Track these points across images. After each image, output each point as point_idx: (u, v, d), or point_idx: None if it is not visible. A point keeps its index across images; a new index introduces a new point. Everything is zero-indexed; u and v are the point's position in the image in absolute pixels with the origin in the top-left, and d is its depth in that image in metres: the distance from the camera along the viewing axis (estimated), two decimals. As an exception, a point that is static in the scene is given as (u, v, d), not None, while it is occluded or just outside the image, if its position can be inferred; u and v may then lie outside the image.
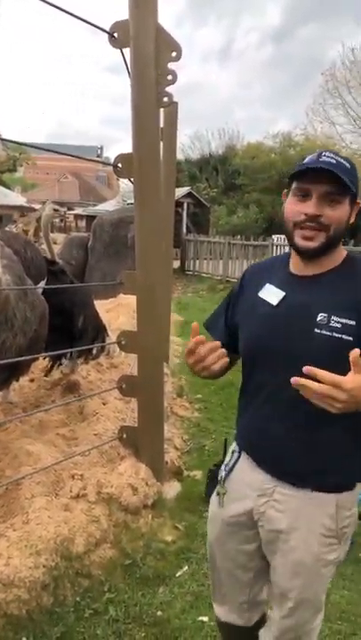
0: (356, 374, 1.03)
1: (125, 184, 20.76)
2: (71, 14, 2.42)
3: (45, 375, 4.00)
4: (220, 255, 13.83)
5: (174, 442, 3.44)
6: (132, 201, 2.79)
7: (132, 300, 3.57)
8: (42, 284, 3.35)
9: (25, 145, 3.25)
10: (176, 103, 3.78)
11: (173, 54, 2.53)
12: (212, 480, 1.53)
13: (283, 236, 14.07)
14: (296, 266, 1.33)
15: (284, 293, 1.31)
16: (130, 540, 2.47)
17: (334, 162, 1.20)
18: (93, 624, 2.03)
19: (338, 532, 1.31)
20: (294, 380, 1.03)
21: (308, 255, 1.27)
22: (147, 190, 2.68)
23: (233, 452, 1.47)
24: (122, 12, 2.54)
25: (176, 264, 13.91)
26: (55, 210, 4.06)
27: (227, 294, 1.55)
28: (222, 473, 1.46)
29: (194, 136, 29.49)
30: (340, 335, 1.19)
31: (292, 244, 1.29)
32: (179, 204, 16.87)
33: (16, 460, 2.76)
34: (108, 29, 2.57)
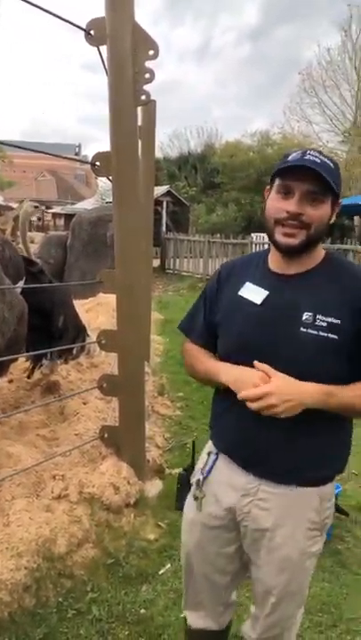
0: (273, 377, 1.18)
1: (104, 182, 20.64)
2: (47, 11, 2.40)
3: (28, 377, 3.97)
4: (199, 254, 13.86)
5: (156, 440, 3.45)
6: (111, 199, 2.78)
7: (111, 299, 3.56)
8: (20, 283, 3.31)
9: (4, 144, 3.21)
10: (154, 101, 3.77)
11: (151, 52, 2.53)
12: (184, 485, 1.49)
13: (262, 235, 14.20)
14: (277, 264, 1.33)
15: (267, 292, 1.30)
16: (112, 540, 2.47)
17: (319, 161, 1.20)
18: (76, 624, 2.02)
19: (321, 523, 1.34)
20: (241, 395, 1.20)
21: (288, 252, 1.27)
22: (125, 189, 2.67)
23: (209, 454, 1.44)
24: (98, 9, 2.52)
25: (156, 263, 13.89)
26: (35, 207, 4.01)
27: (201, 294, 1.51)
28: (199, 476, 1.43)
29: (172, 134, 29.52)
30: (325, 334, 1.20)
31: (272, 241, 1.29)
32: (158, 202, 16.81)
33: (-4, 462, 2.72)
34: (84, 27, 2.55)
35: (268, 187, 1.30)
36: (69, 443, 3.05)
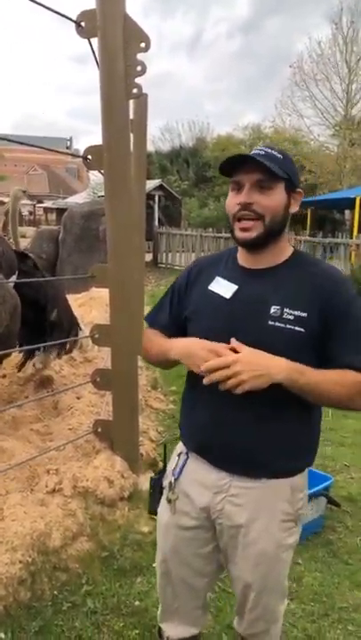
0: (243, 349, 1.18)
1: (96, 176, 20.53)
2: (37, 2, 2.38)
3: (19, 370, 3.95)
4: (192, 248, 13.86)
5: (149, 434, 3.46)
6: (103, 193, 2.78)
7: (104, 293, 3.55)
8: (13, 278, 3.30)
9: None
10: (146, 95, 3.75)
11: (142, 45, 2.51)
12: (156, 489, 1.49)
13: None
14: (245, 259, 1.36)
15: (236, 287, 1.32)
16: (107, 533, 2.48)
17: (263, 153, 1.26)
18: (72, 617, 2.04)
19: (295, 514, 1.35)
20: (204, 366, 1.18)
21: (248, 246, 1.31)
22: (117, 182, 2.66)
23: (180, 455, 1.43)
24: (88, 1, 2.50)
25: (148, 257, 13.86)
26: (23, 192, 3.99)
27: (169, 287, 1.52)
28: (170, 478, 1.43)
29: (164, 128, 29.47)
30: (292, 327, 1.23)
31: (233, 238, 1.33)
32: (150, 196, 16.78)
33: (-11, 457, 2.73)
34: (74, 18, 2.53)
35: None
36: (63, 437, 3.06)
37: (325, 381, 1.21)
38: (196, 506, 1.37)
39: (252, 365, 1.16)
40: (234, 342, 1.22)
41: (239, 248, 1.38)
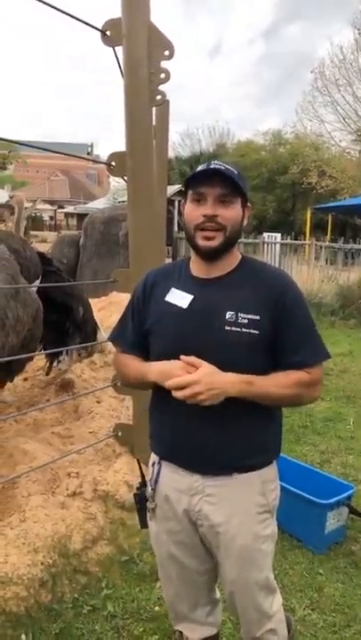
0: (200, 367, 1.26)
1: (116, 182, 20.73)
2: (63, 12, 2.42)
3: (47, 374, 4.03)
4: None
5: (169, 439, 3.46)
6: (123, 199, 2.81)
7: (123, 297, 3.57)
8: (36, 282, 3.35)
9: (17, 143, 3.25)
10: (168, 101, 3.78)
11: (166, 52, 2.54)
12: (142, 503, 1.52)
13: (274, 234, 14.16)
14: (198, 269, 1.42)
15: (192, 296, 1.38)
16: (126, 537, 2.48)
17: (223, 168, 1.32)
18: (92, 620, 2.05)
19: (269, 505, 1.42)
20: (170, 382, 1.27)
21: (209, 255, 1.37)
22: (140, 188, 2.69)
23: (153, 465, 1.49)
24: (114, 10, 2.54)
25: (168, 262, 13.89)
26: (11, 197, 4.12)
27: (128, 304, 1.56)
28: (148, 489, 1.49)
29: (184, 134, 29.58)
30: (247, 330, 1.30)
31: (193, 246, 1.39)
32: (170, 201, 16.85)
33: (12, 459, 2.76)
34: (100, 28, 2.57)
35: (182, 201, 1.42)
36: (84, 441, 3.08)
37: (274, 386, 1.31)
38: (178, 511, 1.43)
39: (208, 385, 1.25)
40: (186, 358, 1.28)
41: (192, 260, 1.45)
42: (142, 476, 1.55)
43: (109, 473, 2.72)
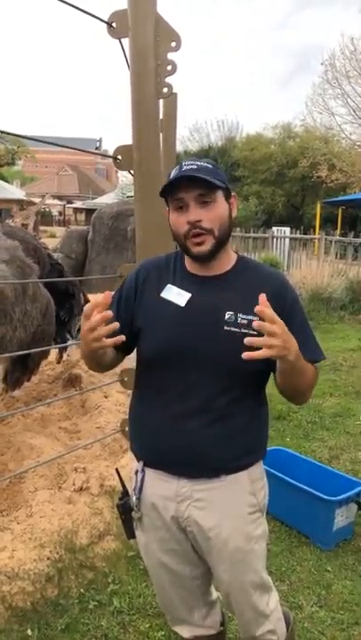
0: (279, 322, 1.13)
1: (125, 177, 20.72)
2: (69, 4, 2.39)
3: (58, 362, 4.09)
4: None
5: (176, 434, 3.46)
6: (131, 194, 2.78)
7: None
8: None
9: (26, 138, 3.24)
10: (176, 94, 3.75)
11: (173, 44, 2.50)
12: (127, 513, 1.47)
13: (283, 229, 14.05)
14: (195, 267, 1.38)
15: (190, 295, 1.34)
16: (133, 532, 2.48)
17: (195, 167, 1.28)
18: (98, 615, 2.04)
19: (259, 505, 1.39)
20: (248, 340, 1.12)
21: (203, 259, 1.34)
22: (147, 182, 2.66)
23: (137, 473, 1.42)
24: (120, 1, 2.51)
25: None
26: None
27: (115, 293, 1.46)
28: (132, 498, 1.43)
29: (193, 128, 29.32)
30: (246, 331, 1.26)
31: (187, 254, 1.35)
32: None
33: (19, 454, 2.77)
34: (106, 19, 2.54)
35: (167, 208, 1.37)
36: (90, 435, 3.08)
37: (307, 369, 1.29)
38: (165, 518, 1.38)
39: (286, 342, 1.15)
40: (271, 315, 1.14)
41: (187, 257, 1.39)
42: (123, 485, 1.50)
43: (116, 468, 2.72)
